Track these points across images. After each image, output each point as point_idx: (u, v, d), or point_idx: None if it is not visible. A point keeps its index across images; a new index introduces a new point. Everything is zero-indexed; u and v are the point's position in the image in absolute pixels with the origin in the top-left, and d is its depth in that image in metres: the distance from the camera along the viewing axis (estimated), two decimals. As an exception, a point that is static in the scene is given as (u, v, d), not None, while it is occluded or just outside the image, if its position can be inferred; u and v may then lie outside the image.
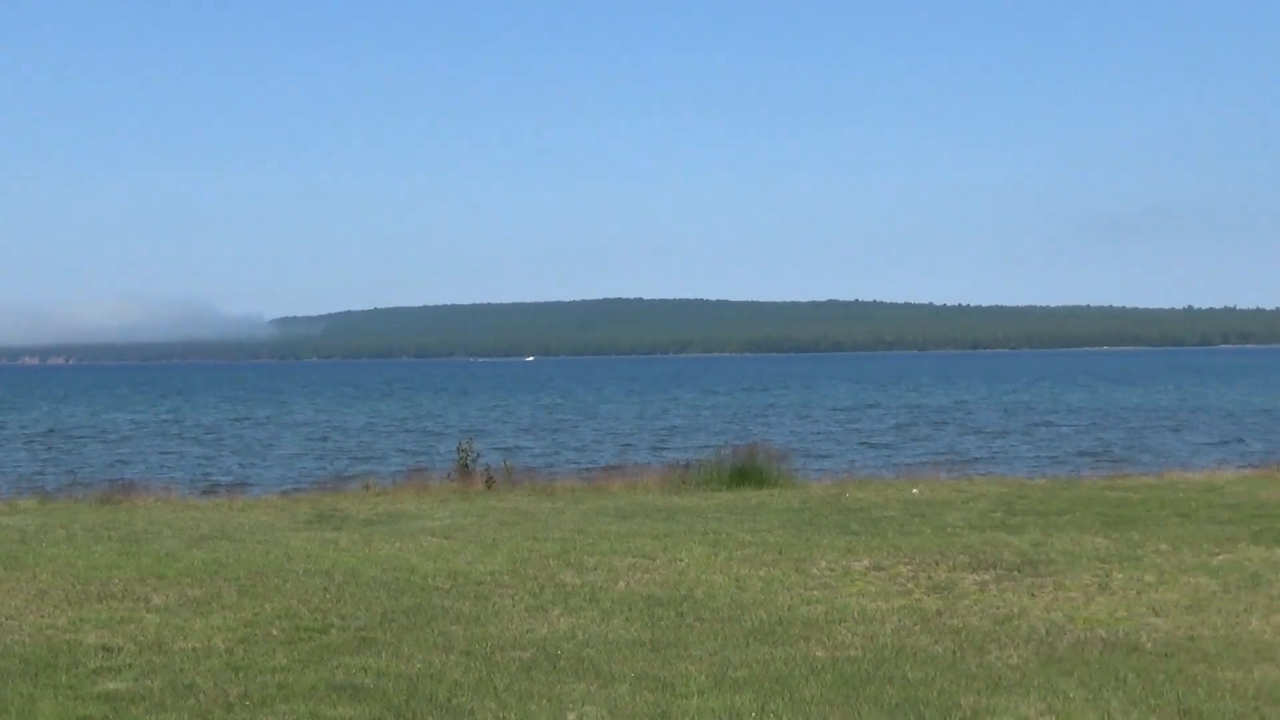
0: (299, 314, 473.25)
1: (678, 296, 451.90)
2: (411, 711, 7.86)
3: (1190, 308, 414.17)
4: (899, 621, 10.19)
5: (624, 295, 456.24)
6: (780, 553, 13.41)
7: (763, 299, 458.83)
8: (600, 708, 7.89)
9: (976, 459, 36.38)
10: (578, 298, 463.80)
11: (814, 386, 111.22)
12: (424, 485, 20.88)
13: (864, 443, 44.81)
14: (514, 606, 10.94)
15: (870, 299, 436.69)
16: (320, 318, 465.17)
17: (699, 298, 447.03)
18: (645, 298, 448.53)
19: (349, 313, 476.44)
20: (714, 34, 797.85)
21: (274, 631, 10.03)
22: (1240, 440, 42.24)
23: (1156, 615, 10.27)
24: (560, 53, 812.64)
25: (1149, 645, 9.27)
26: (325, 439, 51.26)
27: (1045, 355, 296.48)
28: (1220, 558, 12.74)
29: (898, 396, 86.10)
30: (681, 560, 13.06)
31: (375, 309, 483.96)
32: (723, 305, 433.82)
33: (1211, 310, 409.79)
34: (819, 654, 9.15)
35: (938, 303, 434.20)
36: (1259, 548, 13.29)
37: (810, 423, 58.45)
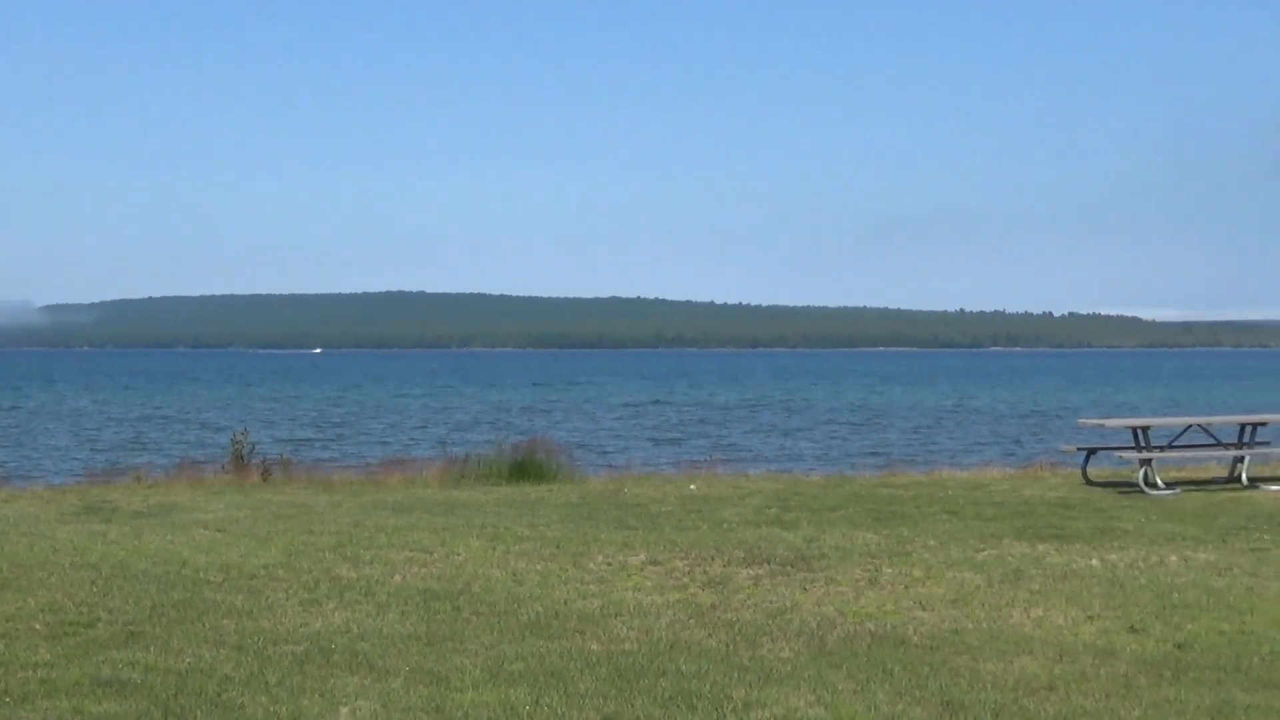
0: (70, 301, 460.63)
1: (460, 290, 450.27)
2: (180, 707, 7.71)
3: (962, 311, 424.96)
4: (674, 615, 10.30)
5: (406, 288, 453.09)
6: (558, 547, 13.45)
7: (545, 294, 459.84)
8: (374, 702, 7.83)
9: (756, 456, 36.92)
10: (358, 290, 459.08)
11: (598, 382, 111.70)
12: (198, 477, 20.49)
13: (649, 439, 45.15)
14: (288, 600, 10.80)
15: (653, 296, 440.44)
16: (93, 305, 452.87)
17: (481, 292, 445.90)
18: (427, 291, 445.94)
19: (124, 301, 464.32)
20: (500, 21, 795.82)
21: (37, 626, 9.76)
22: (1016, 441, 43.46)
23: (923, 609, 10.54)
24: (341, 39, 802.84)
25: (915, 638, 9.50)
26: (98, 429, 49.96)
27: (823, 355, 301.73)
28: (985, 553, 13.12)
29: (683, 394, 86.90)
30: (459, 554, 13.02)
31: (151, 298, 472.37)
32: (505, 300, 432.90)
33: (982, 314, 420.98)
34: (594, 647, 9.20)
35: (719, 301, 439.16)
36: (1021, 544, 13.70)
37: (593, 419, 58.67)
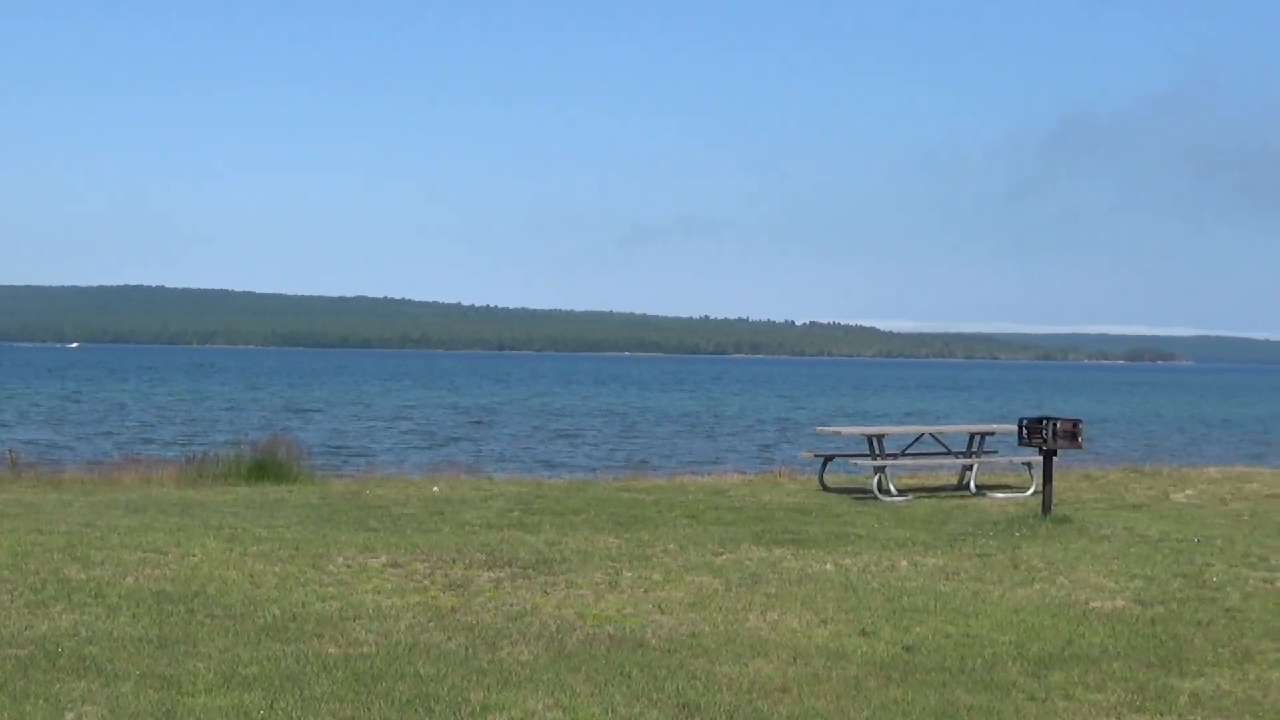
0: None
1: (201, 286, 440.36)
2: (-107, 713, 7.40)
3: (707, 318, 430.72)
4: (414, 618, 10.24)
5: (145, 282, 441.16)
6: (297, 549, 13.26)
7: (290, 292, 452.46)
8: (101, 707, 7.62)
9: (502, 459, 36.90)
10: (95, 283, 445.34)
11: (345, 381, 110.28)
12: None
13: (397, 440, 44.76)
14: (13, 602, 10.44)
15: (400, 296, 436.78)
16: None
17: (223, 288, 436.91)
18: (167, 286, 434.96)
19: None
20: (250, 12, 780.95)
21: None
22: (765, 447, 44.15)
23: (662, 613, 10.66)
24: (78, 27, 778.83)
25: (654, 641, 9.61)
26: None
27: (568, 358, 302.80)
28: (723, 557, 13.32)
29: (435, 396, 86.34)
30: (194, 555, 12.74)
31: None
32: (248, 296, 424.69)
33: (726, 321, 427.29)
34: (332, 651, 9.10)
35: (466, 303, 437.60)
36: (759, 548, 13.95)
37: (340, 420, 57.93)
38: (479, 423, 56.12)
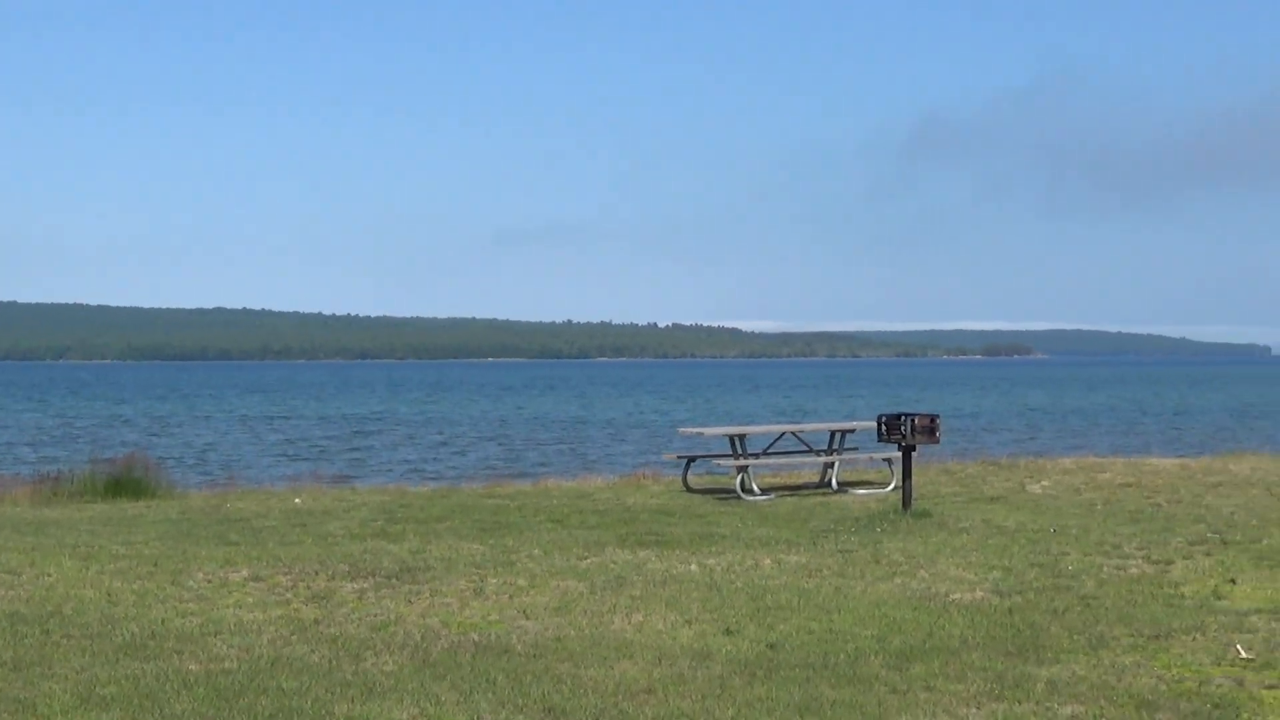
0: None
1: (55, 300, 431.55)
2: None
3: (570, 322, 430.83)
4: (276, 632, 10.13)
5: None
6: (156, 565, 13.05)
7: (146, 305, 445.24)
8: (-47, 733, 7.46)
9: (366, 468, 36.66)
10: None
11: (206, 394, 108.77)
12: None
13: (263, 453, 44.26)
14: None
15: (259, 307, 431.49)
16: None
17: (78, 302, 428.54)
18: (19, 301, 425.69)
19: None
20: (92, 18, 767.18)
21: None
22: (644, 449, 44.23)
23: (527, 618, 10.65)
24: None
25: (519, 647, 9.59)
26: None
27: (432, 366, 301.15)
28: (588, 561, 13.33)
29: (300, 406, 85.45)
30: (49, 575, 12.49)
31: None
32: (103, 310, 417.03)
33: (589, 324, 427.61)
34: (193, 667, 8.98)
35: (327, 312, 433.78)
36: (624, 551, 13.98)
37: (200, 433, 57.16)
38: (359, 433, 55.64)
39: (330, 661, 9.18)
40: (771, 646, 9.59)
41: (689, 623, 10.41)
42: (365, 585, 12.04)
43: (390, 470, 35.96)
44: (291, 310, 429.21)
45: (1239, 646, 9.43)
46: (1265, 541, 14.06)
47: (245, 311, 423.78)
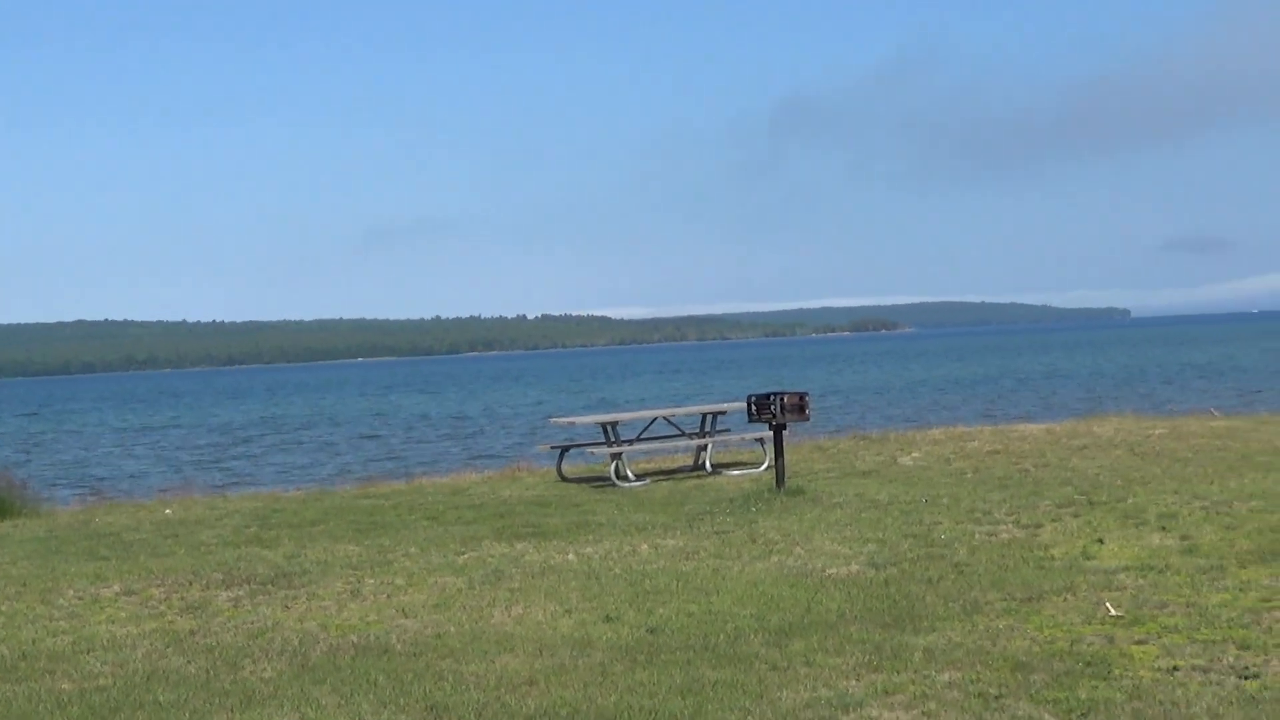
0: None
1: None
2: None
3: (438, 318, 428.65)
4: (150, 645, 9.98)
5: None
6: (24, 585, 12.79)
7: (3, 321, 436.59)
8: None
9: (239, 475, 36.24)
10: None
11: (73, 410, 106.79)
12: None
13: (142, 465, 43.56)
14: None
15: (121, 318, 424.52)
16: None
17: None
18: None
19: None
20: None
21: None
22: (506, 442, 44.14)
23: (406, 617, 10.59)
24: None
25: (399, 646, 9.54)
26: None
27: (303, 368, 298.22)
28: (466, 556, 13.28)
29: (175, 416, 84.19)
30: (-86, 601, 12.20)
31: None
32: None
33: (458, 319, 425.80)
34: (65, 686, 8.82)
35: (191, 319, 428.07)
36: (501, 544, 13.95)
37: (66, 449, 56.14)
38: (235, 441, 54.93)
39: (207, 672, 9.06)
40: (651, 631, 9.62)
41: (569, 612, 10.41)
42: (240, 593, 11.90)
43: (264, 476, 35.56)
44: (155, 319, 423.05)
45: (1108, 604, 9.62)
46: (1130, 500, 14.35)
47: (107, 323, 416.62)
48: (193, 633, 10.38)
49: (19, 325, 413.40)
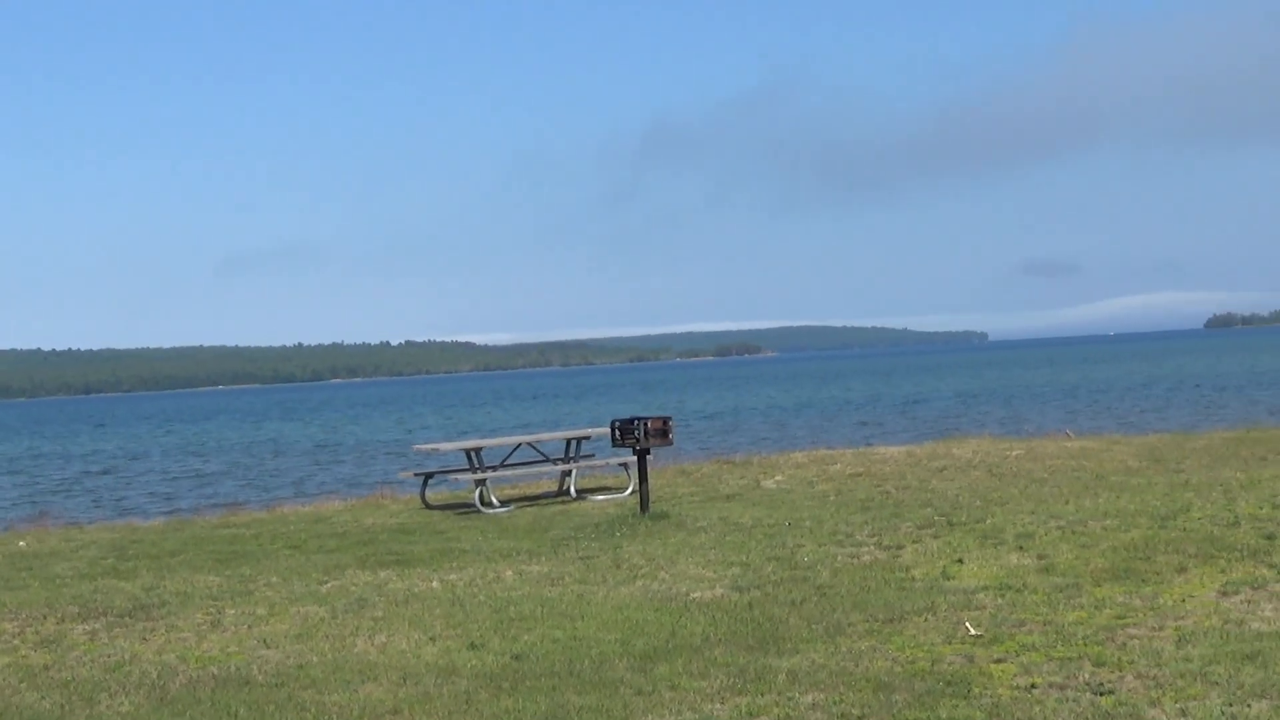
0: None
1: None
2: None
3: (300, 345, 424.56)
4: (3, 680, 9.76)
5: None
6: None
7: None
8: None
9: (97, 506, 35.56)
10: None
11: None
12: None
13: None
14: None
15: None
16: None
17: None
18: None
19: None
20: None
21: None
22: (369, 469, 43.73)
23: (268, 647, 10.45)
24: None
25: (260, 677, 9.41)
26: None
27: (161, 397, 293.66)
28: (329, 584, 13.15)
29: (29, 447, 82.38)
30: None
31: None
32: None
33: (321, 346, 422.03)
34: (-86, 725, 8.60)
35: (46, 348, 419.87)
36: (365, 572, 13.83)
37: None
38: (89, 472, 53.86)
39: (62, 707, 8.88)
40: (516, 658, 9.59)
41: (433, 640, 10.35)
42: (97, 625, 11.68)
43: (125, 505, 34.93)
44: (8, 348, 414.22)
45: (968, 624, 9.75)
46: (989, 521, 14.56)
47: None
48: (47, 667, 10.16)
49: None
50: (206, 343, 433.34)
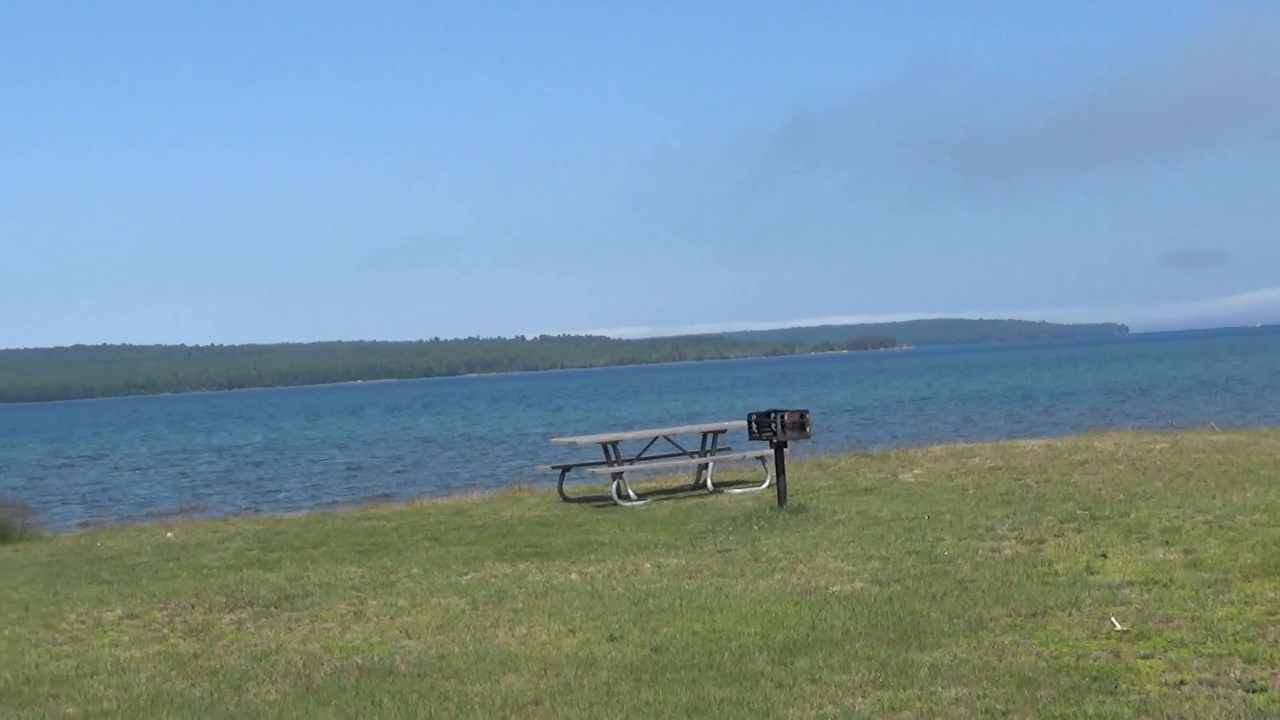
0: None
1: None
2: None
3: (437, 339, 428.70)
4: (154, 669, 9.97)
5: None
6: (27, 609, 12.78)
7: (1, 346, 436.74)
8: None
9: (242, 498, 36.20)
10: None
11: (82, 435, 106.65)
12: None
13: (143, 491, 43.49)
14: None
15: (120, 342, 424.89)
16: None
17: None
18: None
19: None
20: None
21: None
22: (508, 462, 44.07)
23: (410, 638, 10.57)
24: None
25: (403, 668, 9.52)
26: None
27: (302, 392, 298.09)
28: (469, 576, 13.27)
29: (184, 440, 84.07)
30: (-84, 627, 12.18)
31: None
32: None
33: (457, 341, 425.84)
34: (70, 711, 8.81)
35: (190, 344, 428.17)
36: (504, 564, 13.93)
37: (70, 474, 56.10)
38: (245, 464, 54.86)
39: (212, 695, 9.05)
40: (656, 650, 9.60)
41: (572, 632, 10.39)
42: (244, 615, 11.89)
43: (272, 499, 35.54)
44: (153, 344, 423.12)
45: (1113, 619, 9.60)
46: (1133, 515, 14.33)
47: (105, 348, 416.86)
48: (196, 656, 10.36)
49: (17, 350, 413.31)
50: (345, 338, 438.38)
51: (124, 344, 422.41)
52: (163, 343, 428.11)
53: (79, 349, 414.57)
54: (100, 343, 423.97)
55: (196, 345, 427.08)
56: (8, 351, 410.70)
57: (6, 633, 11.67)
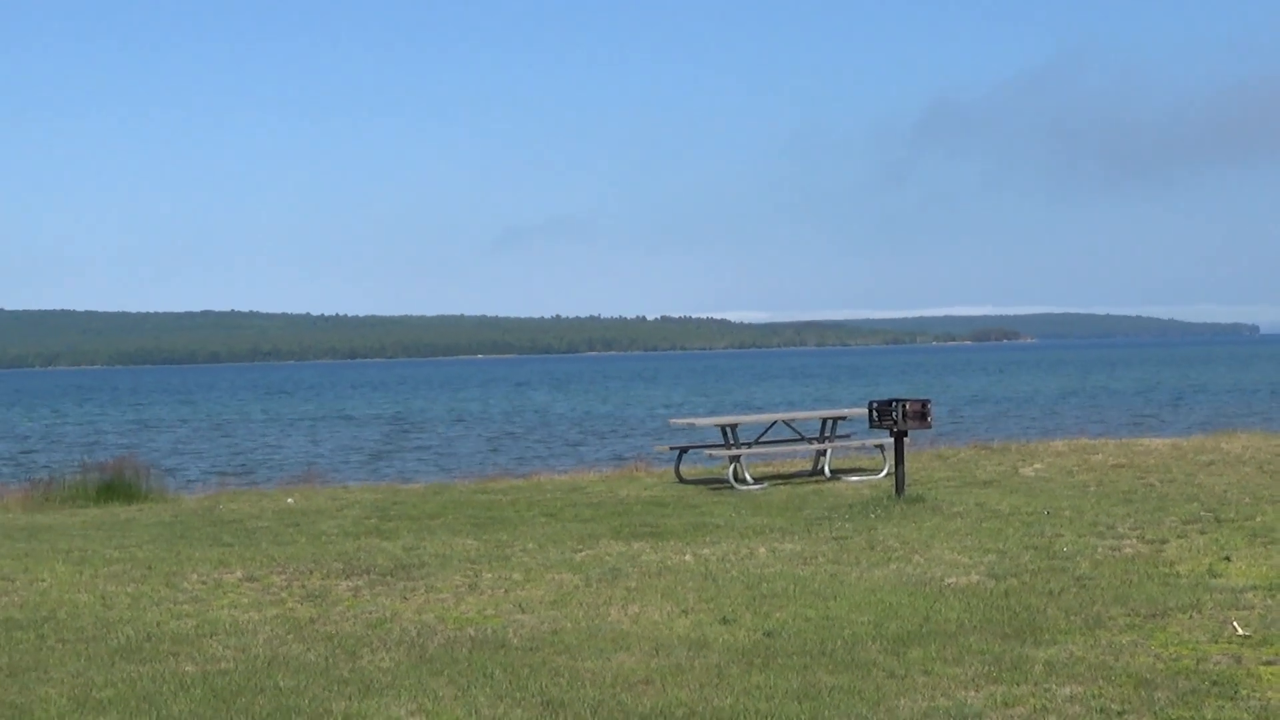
0: None
1: (41, 307, 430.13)
2: None
3: (558, 317, 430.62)
4: (271, 631, 10.11)
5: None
6: (150, 568, 13.02)
7: (134, 309, 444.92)
8: (-50, 740, 7.43)
9: (362, 467, 36.61)
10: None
11: (213, 399, 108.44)
12: None
13: (263, 458, 44.17)
14: None
15: (247, 309, 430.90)
16: None
17: (64, 308, 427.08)
18: (5, 308, 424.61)
19: None
20: (76, 23, 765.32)
21: None
22: (625, 441, 44.20)
23: (523, 612, 10.63)
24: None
25: (515, 641, 9.58)
26: None
27: (426, 364, 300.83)
28: (583, 553, 13.32)
29: (313, 409, 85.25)
30: (44, 580, 12.46)
31: None
32: (91, 316, 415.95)
33: (578, 319, 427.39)
34: (189, 669, 8.96)
35: (315, 313, 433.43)
36: (618, 543, 13.97)
37: (195, 437, 57.07)
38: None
39: (327, 659, 9.16)
40: (768, 634, 9.58)
41: (685, 613, 10.40)
42: (360, 583, 12.02)
43: (387, 469, 35.92)
44: (279, 311, 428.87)
45: (1235, 624, 9.43)
46: (1259, 519, 14.07)
47: (233, 314, 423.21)
48: (313, 620, 10.50)
49: (148, 314, 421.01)
50: (468, 312, 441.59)
51: (251, 310, 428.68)
52: (288, 310, 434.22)
53: (206, 314, 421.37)
54: (228, 309, 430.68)
55: (321, 314, 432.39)
56: (139, 315, 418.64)
57: (130, 590, 11.90)
